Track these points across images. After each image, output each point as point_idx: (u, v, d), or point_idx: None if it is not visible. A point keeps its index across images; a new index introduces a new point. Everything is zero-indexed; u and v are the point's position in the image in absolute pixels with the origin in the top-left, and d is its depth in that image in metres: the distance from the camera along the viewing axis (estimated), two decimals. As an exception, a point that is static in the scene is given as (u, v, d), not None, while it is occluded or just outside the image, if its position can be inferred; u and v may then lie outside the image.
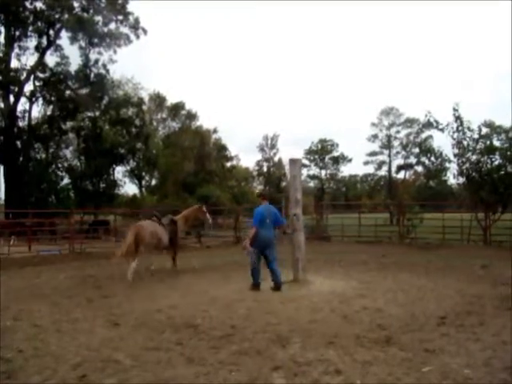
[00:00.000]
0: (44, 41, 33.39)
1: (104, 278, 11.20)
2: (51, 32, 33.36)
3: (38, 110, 36.15)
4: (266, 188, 66.88)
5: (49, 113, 35.87)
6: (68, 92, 35.46)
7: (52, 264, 14.59)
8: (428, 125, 22.79)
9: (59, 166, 37.69)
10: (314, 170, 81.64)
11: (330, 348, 5.20)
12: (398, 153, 72.43)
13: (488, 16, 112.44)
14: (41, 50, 33.39)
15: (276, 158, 74.39)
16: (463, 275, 10.56)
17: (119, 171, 43.36)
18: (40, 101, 35.25)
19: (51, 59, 34.92)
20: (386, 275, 10.70)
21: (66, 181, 37.51)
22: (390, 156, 72.94)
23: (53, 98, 34.94)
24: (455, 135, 19.90)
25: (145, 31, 35.16)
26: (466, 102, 77.09)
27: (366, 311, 7.00)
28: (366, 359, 4.80)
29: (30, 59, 33.76)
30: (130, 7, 34.23)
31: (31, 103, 34.42)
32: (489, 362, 4.69)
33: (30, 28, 32.69)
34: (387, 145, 72.59)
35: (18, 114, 33.90)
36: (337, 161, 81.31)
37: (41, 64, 33.50)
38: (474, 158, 19.93)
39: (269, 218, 9.29)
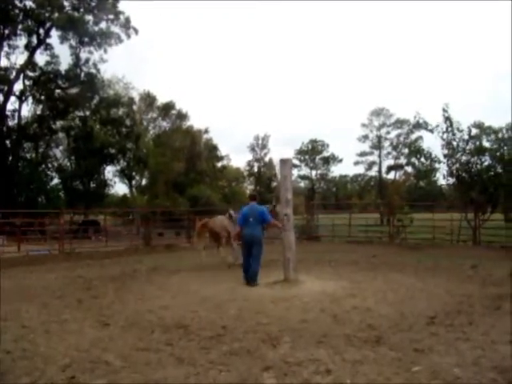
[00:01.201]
0: (34, 39, 33.23)
1: (94, 278, 11.12)
2: (41, 31, 33.20)
3: (27, 109, 36.03)
4: (256, 188, 66.85)
5: (39, 112, 35.75)
6: (58, 91, 35.36)
7: (41, 264, 14.51)
8: (418, 126, 22.93)
9: (49, 165, 37.60)
10: (305, 171, 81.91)
11: (320, 348, 5.20)
12: (388, 153, 72.75)
13: (482, 16, 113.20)
14: (30, 49, 33.21)
15: (267, 158, 74.54)
16: (453, 275, 10.61)
17: (109, 171, 43.41)
18: (30, 100, 35.15)
19: (41, 58, 34.83)
20: (376, 275, 10.72)
21: (56, 180, 37.49)
22: (380, 156, 73.24)
23: (43, 97, 34.80)
24: (445, 136, 20.04)
25: (136, 31, 35.14)
26: (460, 103, 77.97)
27: (356, 311, 7.01)
28: (356, 359, 4.80)
29: (19, 58, 33.69)
30: (120, 6, 34.20)
31: (21, 102, 34.23)
32: (478, 361, 4.70)
33: (20, 26, 32.52)
34: (377, 145, 72.84)
35: (8, 113, 33.81)
36: (327, 161, 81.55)
37: (30, 63, 33.34)
38: (463, 158, 20.08)
39: (252, 217, 9.74)
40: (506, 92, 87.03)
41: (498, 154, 19.84)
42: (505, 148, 20.03)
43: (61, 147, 41.41)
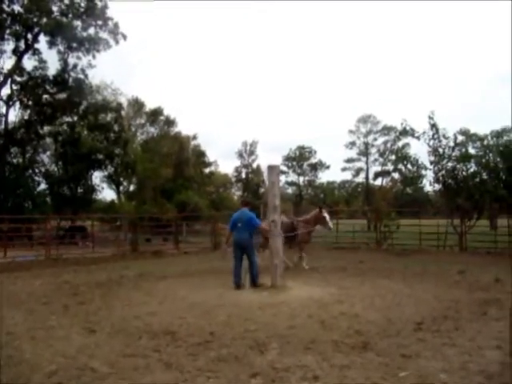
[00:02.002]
0: (22, 44, 32.93)
1: (80, 284, 11.05)
2: (29, 36, 32.89)
3: (14, 114, 35.66)
4: (244, 194, 66.79)
5: (26, 117, 35.39)
6: (46, 96, 35.05)
7: (28, 270, 14.37)
8: (404, 132, 23.14)
9: (36, 170, 37.20)
10: (292, 177, 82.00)
11: (307, 354, 5.20)
12: (375, 160, 73.21)
13: (472, 19, 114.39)
14: (18, 54, 32.89)
15: (254, 165, 74.44)
16: (440, 281, 10.69)
17: (97, 176, 43.11)
18: (17, 105, 34.74)
19: (29, 63, 34.66)
20: (364, 281, 10.77)
21: (43, 186, 37.05)
22: (367, 163, 73.66)
23: (30, 102, 34.49)
24: (431, 143, 20.23)
25: (124, 36, 34.88)
26: (448, 107, 78.61)
27: (344, 317, 7.02)
28: (343, 364, 4.81)
29: (7, 63, 33.55)
30: (109, 12, 34.04)
31: (8, 107, 33.87)
32: (465, 366, 4.74)
33: (8, 31, 32.19)
34: (365, 152, 73.27)
35: (-6, 117, 33.42)
36: (315, 167, 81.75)
37: (18, 68, 33.05)
38: (449, 165, 20.27)
39: (241, 222, 9.97)
40: (494, 97, 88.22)
41: (483, 160, 20.05)
42: (490, 155, 20.25)
43: (48, 152, 41.04)
